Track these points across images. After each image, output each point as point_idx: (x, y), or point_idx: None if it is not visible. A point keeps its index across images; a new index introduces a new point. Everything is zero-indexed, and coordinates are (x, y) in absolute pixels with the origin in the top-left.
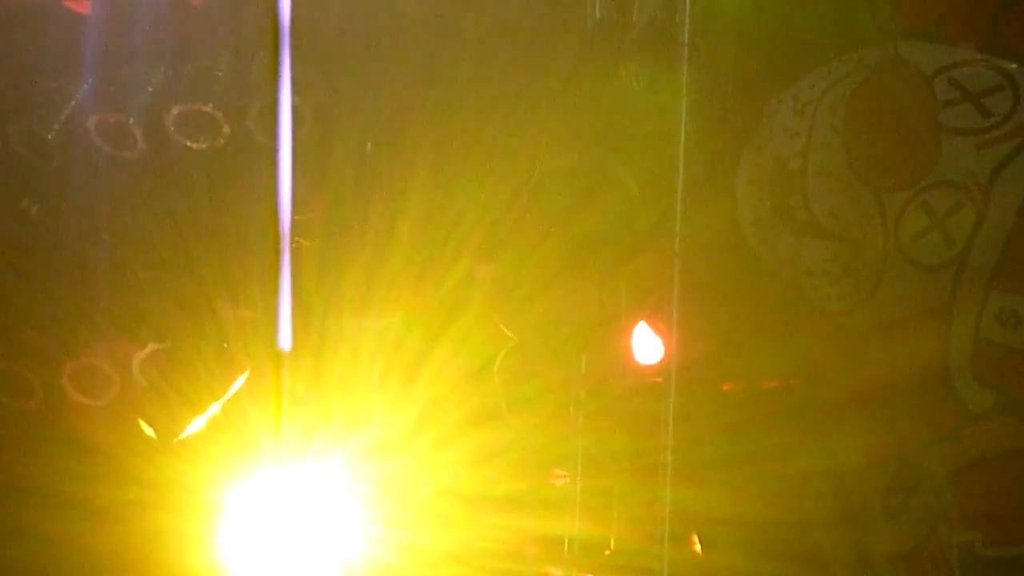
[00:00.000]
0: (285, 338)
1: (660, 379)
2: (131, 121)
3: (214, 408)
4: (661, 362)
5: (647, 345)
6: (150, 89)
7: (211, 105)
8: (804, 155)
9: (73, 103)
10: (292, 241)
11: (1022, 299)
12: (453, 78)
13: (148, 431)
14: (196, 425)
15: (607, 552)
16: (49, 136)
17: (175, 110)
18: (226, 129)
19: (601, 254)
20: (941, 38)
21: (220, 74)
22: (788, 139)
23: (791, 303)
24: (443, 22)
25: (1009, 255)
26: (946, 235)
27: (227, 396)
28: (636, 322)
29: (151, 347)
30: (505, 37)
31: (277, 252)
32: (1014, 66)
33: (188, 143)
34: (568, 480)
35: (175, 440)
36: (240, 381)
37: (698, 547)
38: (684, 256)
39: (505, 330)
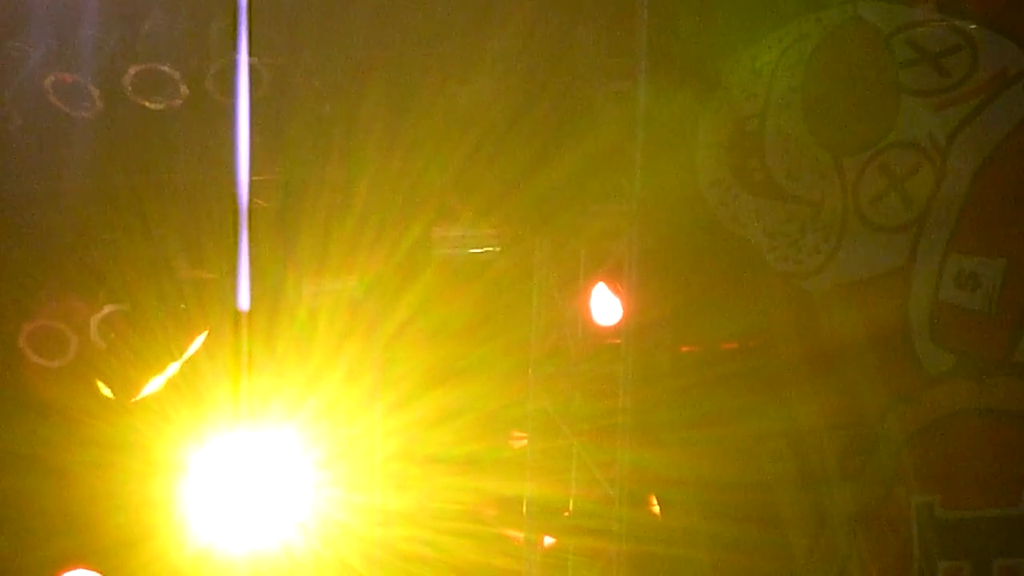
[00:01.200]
0: (243, 299)
1: (618, 341)
2: (88, 81)
3: (172, 369)
4: (619, 324)
5: (605, 306)
6: (107, 49)
7: (169, 65)
8: (762, 116)
9: (29, 63)
10: (250, 202)
11: (981, 261)
12: (410, 39)
13: (106, 392)
14: (154, 386)
15: (565, 513)
16: (5, 96)
17: (133, 70)
18: (184, 89)
19: (559, 215)
20: None
21: (178, 34)
22: (746, 100)
23: (749, 265)
24: None
25: (967, 217)
26: (905, 197)
27: (185, 357)
28: (594, 283)
29: (109, 308)
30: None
31: (235, 213)
32: (973, 26)
33: (146, 103)
34: (526, 442)
35: (133, 401)
36: (198, 342)
37: (656, 508)
38: (643, 218)
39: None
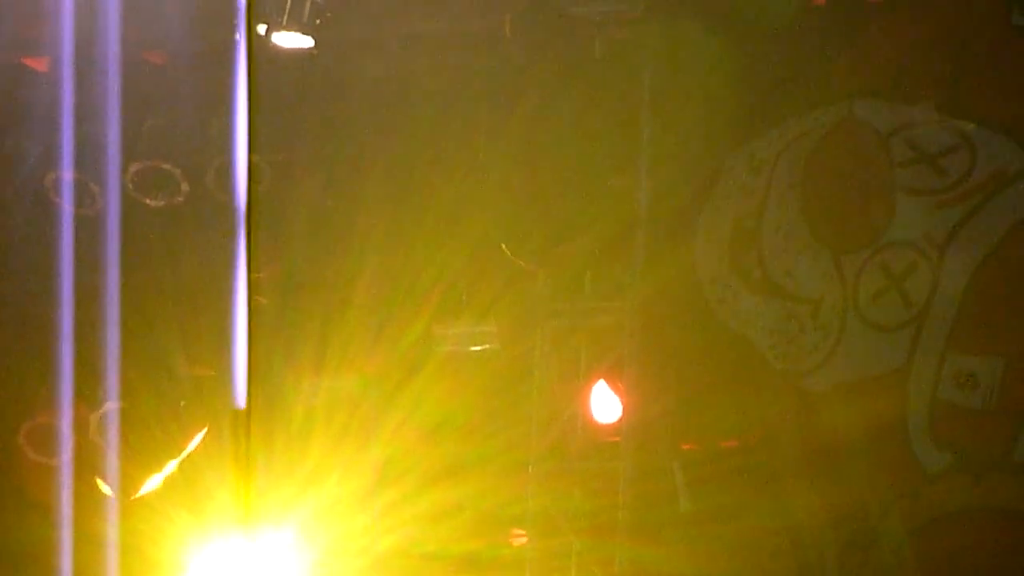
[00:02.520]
0: (241, 397)
1: (618, 438)
2: (88, 178)
3: (171, 467)
4: (619, 421)
5: (605, 404)
6: (108, 146)
7: (170, 162)
8: (760, 214)
9: (30, 160)
10: (249, 299)
11: (980, 360)
12: (412, 136)
13: (105, 490)
14: (153, 484)
15: None
16: (6, 193)
17: (133, 167)
18: (184, 186)
19: (560, 311)
20: (898, 97)
21: (178, 131)
22: (744, 197)
23: (749, 362)
24: (402, 80)
25: (966, 316)
26: (904, 296)
27: (184, 455)
28: (594, 381)
29: (107, 406)
30: (464, 95)
31: (234, 310)
32: (972, 126)
33: (146, 200)
34: (525, 539)
35: (132, 499)
36: (197, 440)
37: None
38: (643, 314)
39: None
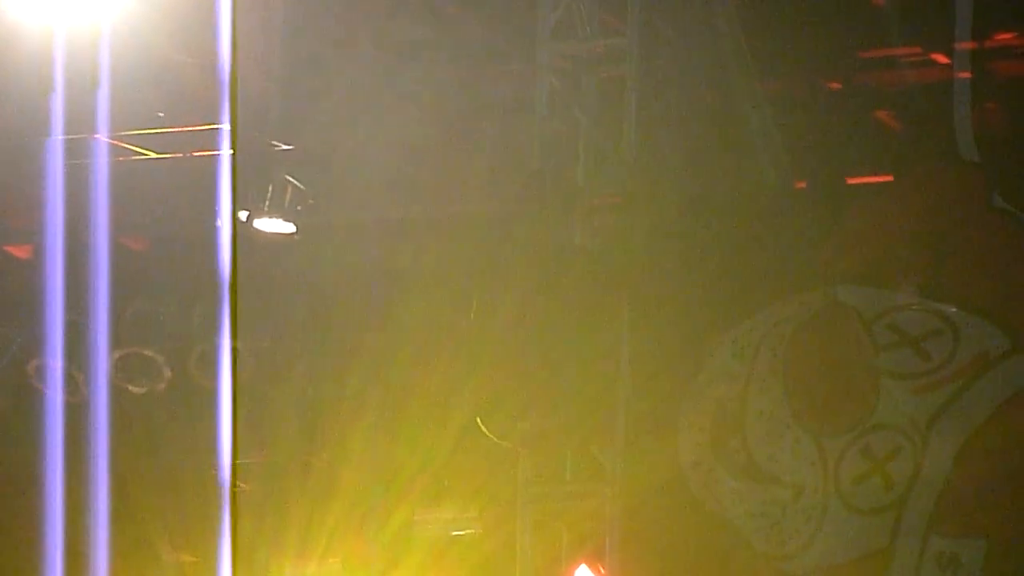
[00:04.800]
0: None
1: None
2: (71, 366)
3: None
4: None
5: None
6: (91, 334)
7: (152, 349)
8: (743, 398)
9: (13, 348)
10: (233, 485)
11: (962, 543)
12: (397, 321)
13: None
14: None
15: None
16: None
17: (117, 354)
18: (167, 373)
19: (542, 495)
20: (880, 282)
21: (161, 318)
22: (728, 382)
23: (732, 546)
24: (385, 264)
25: (948, 499)
26: (886, 479)
27: None
28: (577, 566)
29: None
30: (449, 281)
31: (218, 496)
32: (954, 309)
33: (130, 387)
34: None
35: None
36: None
37: None
38: (625, 499)
39: None
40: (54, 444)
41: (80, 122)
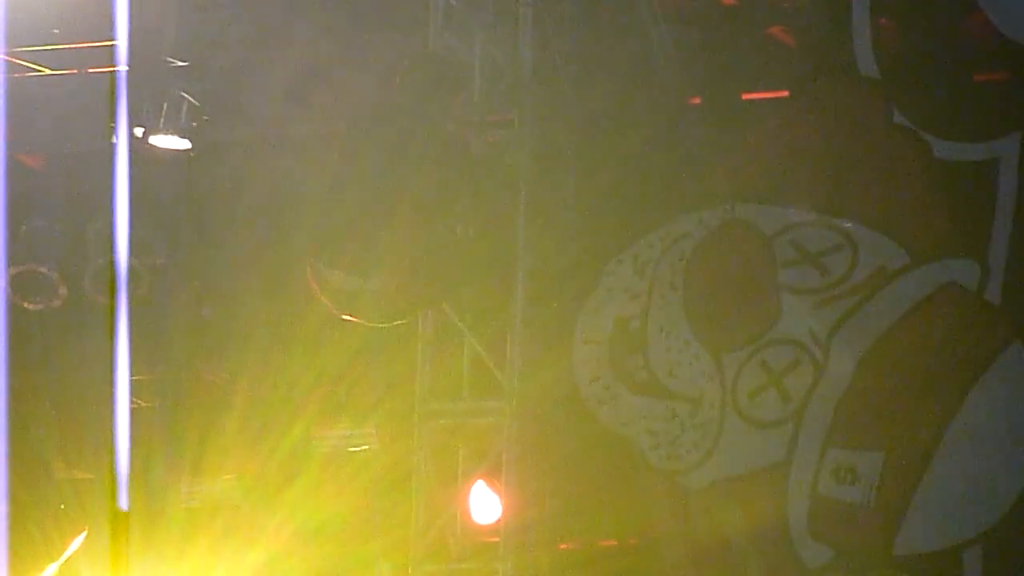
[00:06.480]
0: (123, 499)
1: (497, 539)
2: None
3: (51, 570)
4: (498, 522)
5: (484, 504)
6: None
7: (47, 266)
8: (644, 315)
9: None
10: (128, 402)
11: (859, 455)
12: (289, 237)
13: None
14: None
15: None
16: None
17: (12, 271)
18: (62, 290)
19: (439, 412)
20: (779, 199)
21: (56, 236)
22: (629, 299)
23: (629, 462)
24: (279, 183)
25: (845, 411)
26: (783, 392)
27: (64, 558)
28: (474, 481)
29: None
30: (341, 198)
31: (113, 413)
32: (851, 225)
33: (25, 304)
34: None
35: None
36: (77, 542)
37: None
38: (521, 416)
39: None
40: None
41: None
